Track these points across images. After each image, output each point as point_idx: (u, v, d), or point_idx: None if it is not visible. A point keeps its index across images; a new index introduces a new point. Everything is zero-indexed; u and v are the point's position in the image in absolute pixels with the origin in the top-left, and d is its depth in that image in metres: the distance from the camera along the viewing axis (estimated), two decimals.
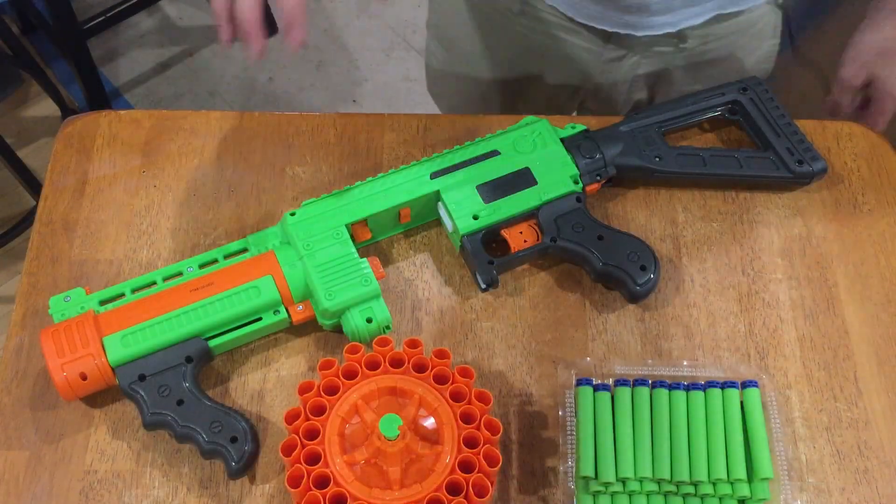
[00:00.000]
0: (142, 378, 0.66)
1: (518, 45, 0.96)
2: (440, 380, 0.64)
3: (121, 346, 0.67)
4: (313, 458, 0.61)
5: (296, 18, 0.66)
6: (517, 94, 1.04)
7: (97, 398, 0.70)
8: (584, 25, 0.90)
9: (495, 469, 0.61)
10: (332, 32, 2.12)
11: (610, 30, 0.89)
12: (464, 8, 0.98)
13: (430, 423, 0.63)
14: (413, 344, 0.66)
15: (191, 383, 0.67)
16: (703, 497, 0.65)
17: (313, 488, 0.60)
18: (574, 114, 1.05)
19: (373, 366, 0.65)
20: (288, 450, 0.62)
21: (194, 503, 0.66)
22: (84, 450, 0.68)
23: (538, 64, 0.98)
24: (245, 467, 0.65)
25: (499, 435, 0.62)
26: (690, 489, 0.65)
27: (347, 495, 0.59)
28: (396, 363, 0.65)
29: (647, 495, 0.65)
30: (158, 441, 0.68)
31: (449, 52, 1.05)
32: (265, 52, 0.67)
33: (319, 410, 0.63)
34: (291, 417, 0.63)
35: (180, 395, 0.66)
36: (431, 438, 0.63)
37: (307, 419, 0.62)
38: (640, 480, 0.64)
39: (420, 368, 0.65)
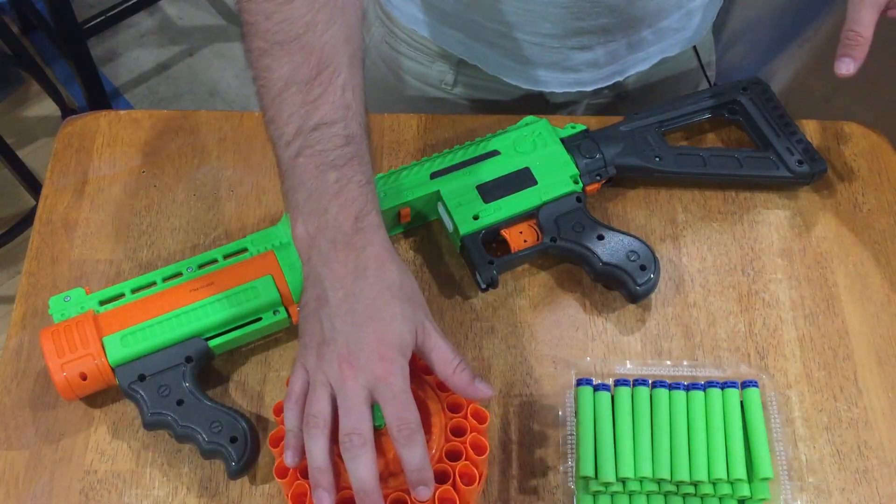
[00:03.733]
0: (142, 378, 0.66)
1: (454, 112, 0.93)
2: (427, 370, 0.65)
3: (121, 346, 0.67)
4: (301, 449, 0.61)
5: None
6: None
7: (97, 398, 0.70)
8: (529, 91, 0.88)
9: (483, 457, 0.61)
10: None
11: (560, 91, 0.87)
12: (395, 79, 0.95)
13: None
14: None
15: (191, 383, 0.67)
16: (703, 497, 0.65)
17: (301, 478, 0.60)
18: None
19: None
20: (276, 441, 0.62)
21: (194, 503, 0.66)
22: (84, 450, 0.68)
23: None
24: (245, 467, 0.65)
25: (486, 423, 0.62)
26: (690, 489, 0.65)
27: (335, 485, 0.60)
28: None
29: (647, 495, 0.65)
30: (158, 441, 0.68)
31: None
32: None
33: None
34: (280, 409, 0.63)
35: (180, 395, 0.66)
36: None
37: None
38: (640, 480, 0.64)
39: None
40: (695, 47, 0.93)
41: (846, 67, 0.70)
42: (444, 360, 0.60)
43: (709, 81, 0.99)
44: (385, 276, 0.60)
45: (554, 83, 0.87)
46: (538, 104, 0.91)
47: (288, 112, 0.61)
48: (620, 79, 0.88)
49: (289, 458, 0.59)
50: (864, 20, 0.69)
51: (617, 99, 0.93)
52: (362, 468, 0.56)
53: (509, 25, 0.81)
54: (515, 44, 0.83)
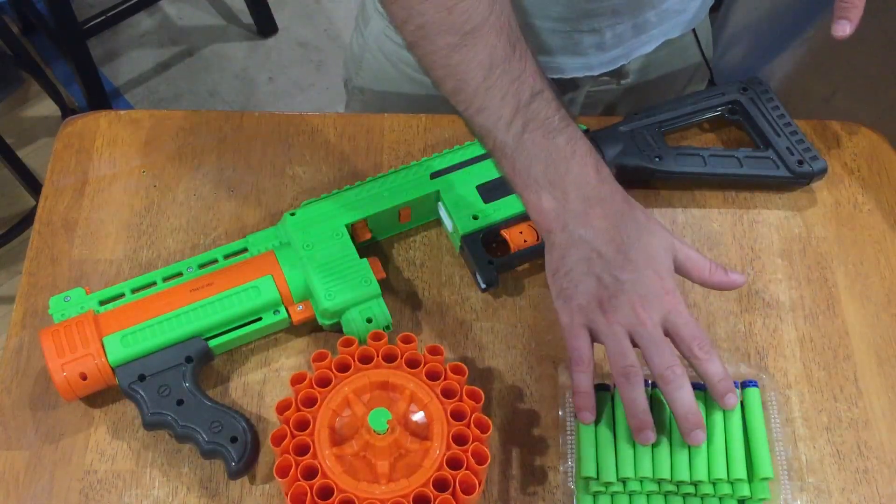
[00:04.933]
0: (142, 378, 0.66)
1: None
2: (432, 376, 0.65)
3: (121, 346, 0.67)
4: (302, 449, 0.61)
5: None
6: None
7: (97, 398, 0.70)
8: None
9: (484, 467, 0.61)
10: (332, 32, 2.12)
11: (568, 76, 0.88)
12: (394, 73, 0.94)
13: (420, 418, 0.63)
14: (407, 339, 0.66)
15: (191, 383, 0.67)
16: (703, 497, 0.65)
17: (301, 479, 0.60)
18: None
19: (366, 359, 0.65)
20: (277, 440, 0.62)
21: (194, 503, 0.66)
22: (84, 450, 0.68)
23: None
24: (245, 467, 0.65)
25: (488, 433, 0.62)
26: (691, 489, 0.65)
27: (334, 487, 0.60)
28: (390, 358, 0.65)
29: (648, 495, 0.65)
30: (158, 441, 0.68)
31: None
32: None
33: (311, 402, 0.63)
34: (283, 408, 0.63)
35: (180, 395, 0.66)
36: (421, 434, 0.63)
37: (298, 410, 0.63)
38: (641, 480, 0.64)
39: (413, 364, 0.65)
40: (696, 38, 0.93)
41: (842, 29, 0.72)
42: (699, 267, 0.65)
43: (710, 71, 0.99)
44: (636, 217, 0.63)
45: (567, 68, 0.87)
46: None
47: (500, 94, 0.62)
48: (625, 62, 0.89)
49: (588, 417, 0.64)
50: None
51: (617, 86, 0.93)
52: (687, 395, 0.61)
53: (523, 12, 0.81)
54: (529, 31, 0.83)
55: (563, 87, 0.91)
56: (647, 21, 0.85)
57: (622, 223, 0.62)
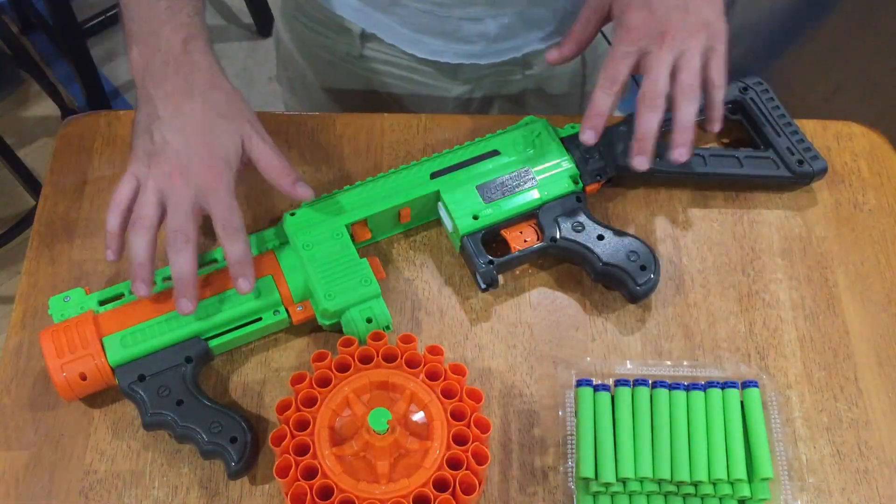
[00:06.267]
0: (141, 378, 0.66)
1: (366, 87, 0.95)
2: (432, 376, 0.65)
3: (120, 346, 0.67)
4: (303, 449, 0.61)
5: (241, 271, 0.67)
6: None
7: (97, 398, 0.70)
8: (429, 61, 0.90)
9: (483, 467, 0.61)
10: None
11: (454, 62, 0.89)
12: (307, 59, 0.97)
13: (420, 418, 0.64)
14: (407, 339, 0.66)
15: (190, 383, 0.67)
16: (703, 497, 0.65)
17: (301, 479, 0.60)
18: None
19: (366, 360, 0.65)
20: (277, 440, 0.62)
21: (194, 503, 0.66)
22: (84, 450, 0.68)
23: (389, 105, 0.97)
24: (245, 468, 0.65)
25: (488, 433, 0.62)
26: (691, 489, 0.65)
27: (334, 487, 0.60)
28: (390, 358, 0.65)
29: (648, 496, 0.65)
30: (158, 441, 0.68)
31: (302, 103, 1.04)
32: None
33: (311, 402, 0.63)
34: (283, 408, 0.63)
35: (180, 395, 0.66)
36: (421, 434, 0.63)
37: (298, 410, 0.63)
38: (641, 481, 0.64)
39: (413, 364, 0.65)
40: (607, 40, 0.93)
41: (641, 164, 0.71)
42: (270, 166, 0.68)
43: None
44: (212, 96, 0.67)
45: (448, 53, 0.88)
46: (447, 74, 0.92)
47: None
48: (518, 55, 0.89)
49: (110, 255, 0.67)
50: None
51: (522, 77, 0.93)
52: (183, 262, 0.65)
53: None
54: (407, 11, 0.84)
55: (466, 74, 0.92)
56: (539, 17, 0.86)
57: (189, 96, 0.66)
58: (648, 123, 0.69)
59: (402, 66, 0.92)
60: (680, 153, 0.69)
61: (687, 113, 0.69)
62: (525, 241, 0.74)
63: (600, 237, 0.74)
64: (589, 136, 0.70)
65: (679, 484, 0.65)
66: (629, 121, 0.81)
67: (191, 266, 0.65)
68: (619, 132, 0.80)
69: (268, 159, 0.68)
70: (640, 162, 0.70)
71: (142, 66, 0.67)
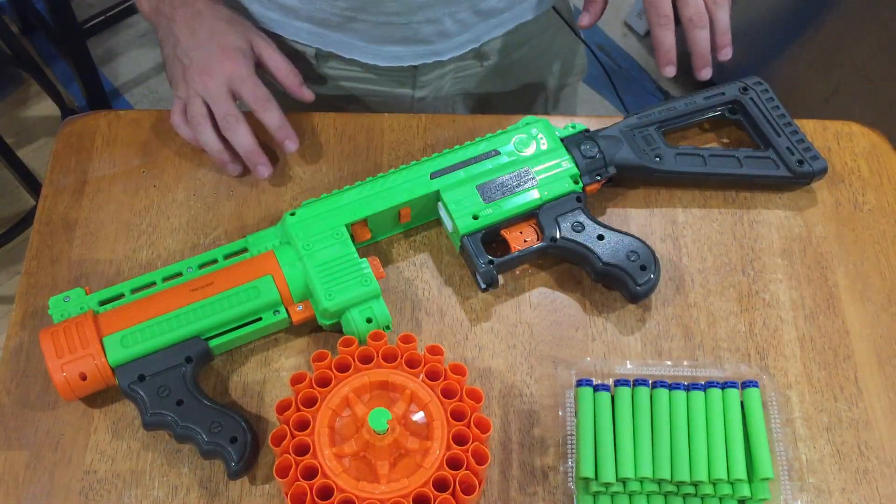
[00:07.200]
0: (141, 378, 0.66)
1: (327, 107, 0.94)
2: (432, 376, 0.65)
3: (120, 346, 0.67)
4: (303, 449, 0.61)
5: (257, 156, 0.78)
6: None
7: (97, 398, 0.70)
8: (389, 68, 0.90)
9: (483, 467, 0.61)
10: None
11: (416, 63, 0.89)
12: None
13: (420, 418, 0.64)
14: (407, 339, 0.66)
15: (190, 383, 0.67)
16: (703, 497, 0.65)
17: (301, 479, 0.60)
18: None
19: (366, 359, 0.65)
20: (277, 440, 0.62)
21: (194, 503, 0.66)
22: (84, 450, 0.68)
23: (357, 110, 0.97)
24: (245, 468, 0.65)
25: (488, 433, 0.62)
26: (691, 489, 0.65)
27: (334, 487, 0.60)
28: (390, 358, 0.65)
29: (648, 496, 0.65)
30: (158, 441, 0.68)
31: None
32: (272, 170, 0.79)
33: (311, 402, 0.63)
34: (283, 408, 0.63)
35: (180, 395, 0.66)
36: (421, 434, 0.63)
37: (298, 410, 0.63)
38: (641, 481, 0.64)
39: (413, 364, 0.65)
40: (560, 16, 0.96)
41: (586, 20, 0.82)
42: (278, 65, 0.80)
43: (578, 36, 1.02)
44: (218, 13, 0.79)
45: (409, 56, 0.89)
46: (406, 77, 0.92)
47: None
48: (476, 46, 0.90)
49: (233, 169, 0.80)
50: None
51: (481, 67, 0.94)
52: (242, 136, 0.77)
53: (353, 9, 0.83)
54: (365, 25, 0.85)
55: (426, 75, 0.92)
56: (492, 7, 0.87)
57: (199, 18, 0.78)
58: (666, 37, 0.78)
59: (360, 79, 0.92)
60: (725, 53, 0.79)
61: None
62: (525, 241, 0.74)
63: (600, 237, 0.74)
64: (670, 70, 0.79)
65: (679, 484, 0.65)
66: (630, 120, 0.81)
67: (249, 138, 0.77)
68: (620, 132, 0.80)
69: (275, 59, 0.80)
70: (670, 70, 0.79)
71: (153, 13, 0.81)
